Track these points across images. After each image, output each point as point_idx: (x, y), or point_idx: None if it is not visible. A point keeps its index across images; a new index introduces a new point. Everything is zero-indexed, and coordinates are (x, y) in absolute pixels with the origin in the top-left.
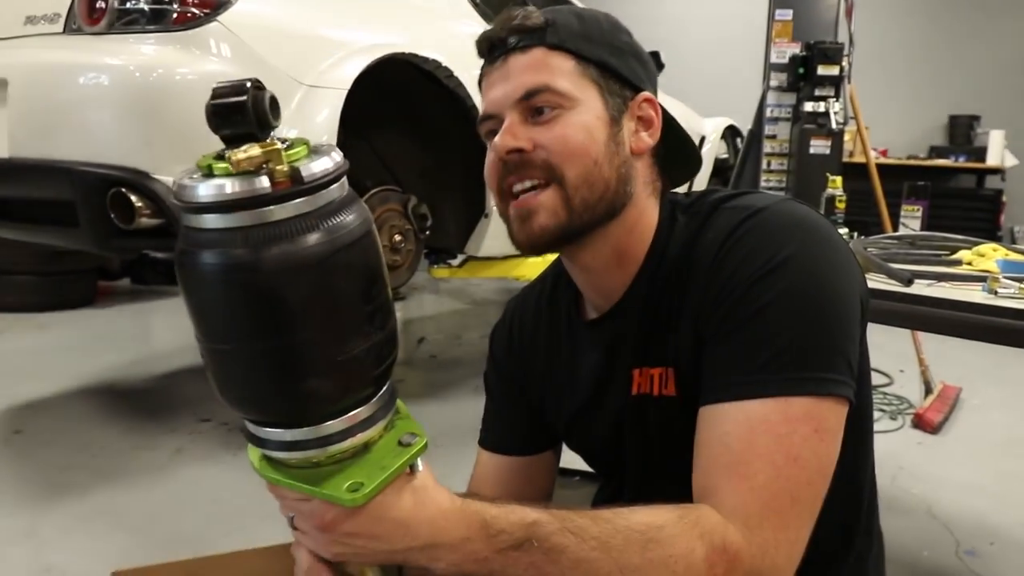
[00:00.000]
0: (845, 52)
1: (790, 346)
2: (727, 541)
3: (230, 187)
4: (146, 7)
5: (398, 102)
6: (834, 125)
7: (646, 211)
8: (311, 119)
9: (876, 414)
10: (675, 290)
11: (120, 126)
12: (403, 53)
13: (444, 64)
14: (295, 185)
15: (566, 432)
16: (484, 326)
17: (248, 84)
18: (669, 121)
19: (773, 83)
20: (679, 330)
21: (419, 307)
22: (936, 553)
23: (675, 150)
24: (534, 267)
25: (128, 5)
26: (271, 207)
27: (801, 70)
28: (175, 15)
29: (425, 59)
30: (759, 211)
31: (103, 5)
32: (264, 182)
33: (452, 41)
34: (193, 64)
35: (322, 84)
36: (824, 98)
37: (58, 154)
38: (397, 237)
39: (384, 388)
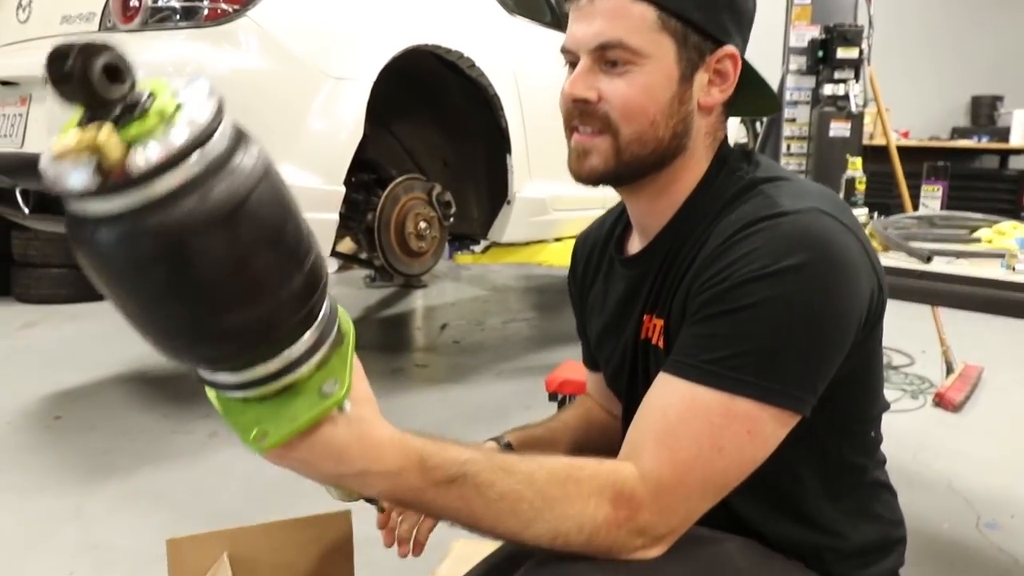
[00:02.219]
0: (864, 34)
1: (755, 350)
2: (635, 493)
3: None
4: (178, 4)
5: (422, 92)
6: (854, 108)
7: (699, 162)
8: (338, 110)
9: (897, 393)
10: (690, 251)
11: None
12: (426, 44)
13: (466, 55)
14: (123, 178)
15: (597, 353)
16: (505, 312)
17: (77, 46)
18: (748, 70)
19: (792, 66)
20: (678, 290)
21: (441, 295)
22: (957, 526)
23: (751, 97)
24: (556, 253)
25: (161, 3)
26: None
27: (820, 53)
28: (206, 11)
29: (448, 50)
30: (783, 214)
31: (137, 3)
32: (82, 177)
33: (474, 32)
34: (224, 59)
35: (349, 76)
36: (843, 81)
37: None
38: (422, 224)
39: (309, 331)
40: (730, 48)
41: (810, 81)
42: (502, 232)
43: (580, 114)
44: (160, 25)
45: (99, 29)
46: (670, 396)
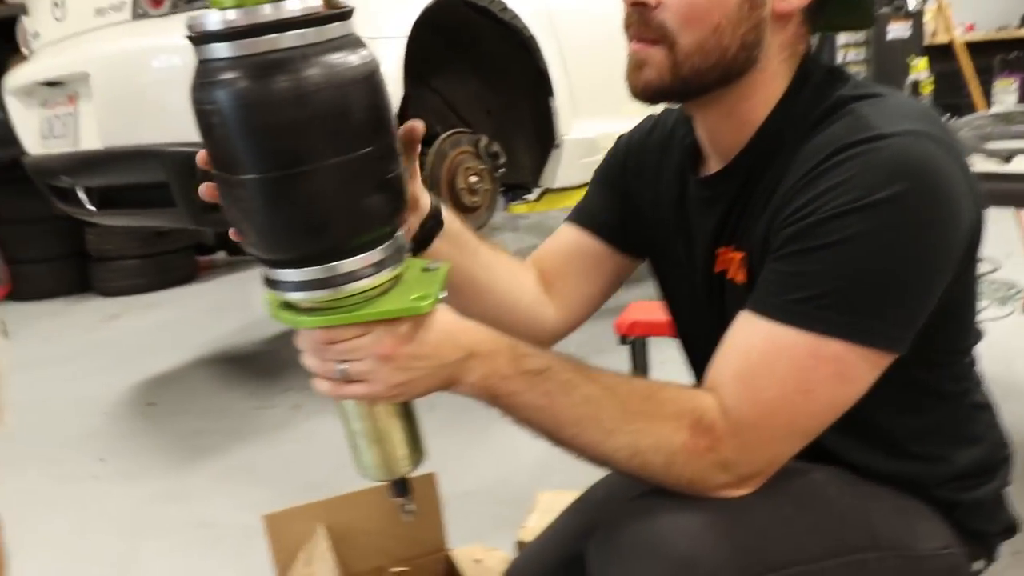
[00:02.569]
0: None
1: (846, 289)
2: (715, 425)
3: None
4: None
5: (457, 43)
6: (912, 5)
7: (774, 77)
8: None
9: (984, 302)
10: (773, 178)
11: None
12: None
13: None
14: (332, 9)
15: (660, 275)
16: None
17: None
18: None
19: None
20: (759, 221)
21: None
22: None
23: (839, 8)
24: None
25: None
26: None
27: None
28: None
29: None
30: (878, 138)
31: None
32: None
33: None
34: None
35: (381, 35)
36: None
37: (147, 139)
38: (473, 178)
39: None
40: None
41: None
42: (554, 177)
43: (637, 20)
44: (190, 6)
45: (132, 17)
46: (752, 336)
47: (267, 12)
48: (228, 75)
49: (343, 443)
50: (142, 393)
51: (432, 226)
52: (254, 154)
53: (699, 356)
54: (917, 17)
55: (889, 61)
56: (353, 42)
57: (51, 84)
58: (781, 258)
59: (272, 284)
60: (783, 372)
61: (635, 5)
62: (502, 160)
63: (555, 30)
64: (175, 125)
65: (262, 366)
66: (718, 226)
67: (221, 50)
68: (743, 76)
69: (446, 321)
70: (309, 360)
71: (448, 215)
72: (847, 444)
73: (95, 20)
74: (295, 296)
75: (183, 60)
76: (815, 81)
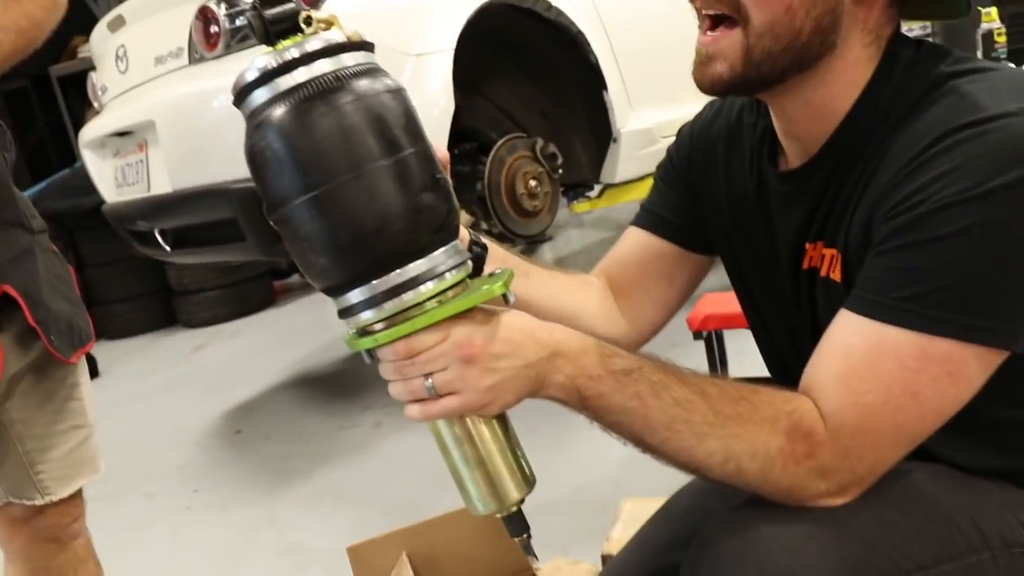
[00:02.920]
0: None
1: (957, 285)
2: (814, 430)
3: (326, 41)
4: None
5: (505, 47)
6: None
7: (857, 64)
8: (425, 86)
9: None
10: (866, 168)
11: None
12: (498, 0)
13: None
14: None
15: (736, 270)
16: None
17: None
18: None
19: None
20: (855, 216)
21: (567, 243)
22: None
23: None
24: None
25: (237, 23)
26: (353, 53)
27: None
28: None
29: None
30: (988, 119)
31: (216, 29)
32: (339, 36)
33: None
34: None
35: (428, 50)
36: None
37: (213, 178)
38: (532, 182)
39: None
40: None
41: None
42: (614, 172)
43: (705, 4)
44: (241, 45)
45: (189, 62)
46: (854, 337)
47: (292, 52)
48: (265, 113)
49: (424, 459)
50: (230, 421)
51: (479, 253)
52: (301, 174)
53: (782, 354)
54: None
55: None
56: (375, 70)
57: (121, 134)
58: (885, 252)
59: (345, 312)
60: (888, 374)
61: None
62: (560, 161)
63: (603, 23)
64: (238, 162)
65: (342, 386)
66: (804, 221)
67: (260, 95)
68: (819, 62)
69: (525, 320)
70: (395, 387)
71: (491, 243)
72: (949, 442)
73: (156, 69)
74: (368, 315)
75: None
76: (906, 61)
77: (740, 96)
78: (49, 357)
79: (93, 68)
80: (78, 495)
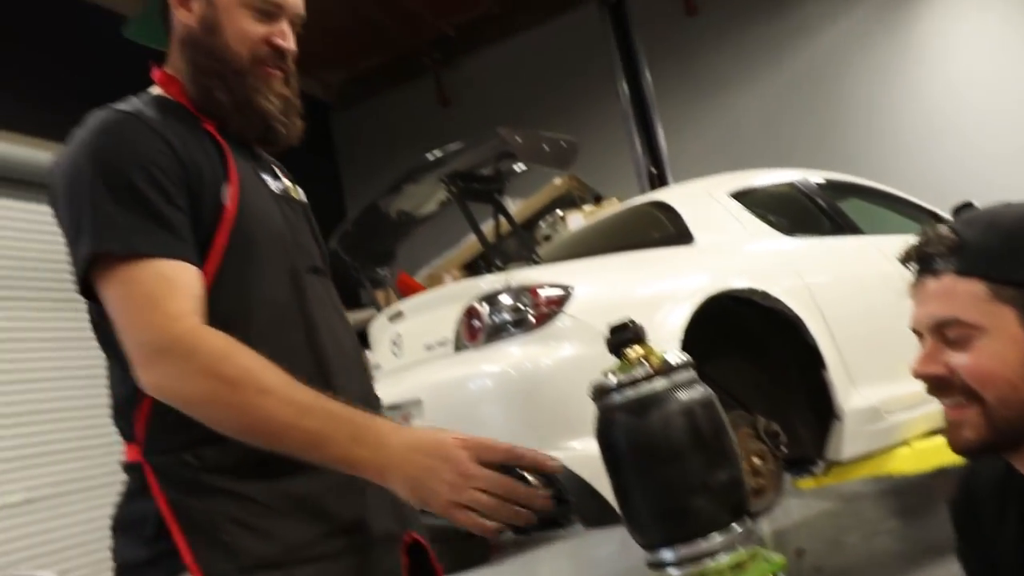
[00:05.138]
0: None
1: None
2: None
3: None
4: (510, 317)
5: (723, 331)
6: None
7: None
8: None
9: None
10: None
11: (507, 417)
12: (720, 292)
13: (758, 288)
14: (665, 367)
15: None
16: (864, 525)
17: (628, 321)
18: None
19: None
20: None
21: (786, 514)
22: None
23: None
24: (908, 459)
25: (496, 320)
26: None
27: None
28: (533, 318)
29: (740, 290)
30: None
31: (479, 324)
32: (674, 357)
33: (758, 262)
34: (552, 353)
35: (658, 339)
36: None
37: None
38: (756, 460)
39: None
40: None
41: None
42: (839, 450)
43: (938, 389)
44: (499, 337)
45: (455, 350)
46: None
47: (638, 372)
48: (616, 413)
49: None
50: None
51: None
52: (638, 459)
53: None
54: None
55: None
56: (694, 382)
57: (390, 408)
58: None
59: (655, 565)
60: None
61: (931, 377)
62: (783, 439)
63: (818, 306)
64: (488, 434)
65: None
66: None
67: (614, 398)
68: None
69: None
70: None
71: None
72: None
73: (425, 354)
74: (675, 573)
75: (494, 382)
76: None
77: (990, 455)
78: None
79: (368, 347)
80: None
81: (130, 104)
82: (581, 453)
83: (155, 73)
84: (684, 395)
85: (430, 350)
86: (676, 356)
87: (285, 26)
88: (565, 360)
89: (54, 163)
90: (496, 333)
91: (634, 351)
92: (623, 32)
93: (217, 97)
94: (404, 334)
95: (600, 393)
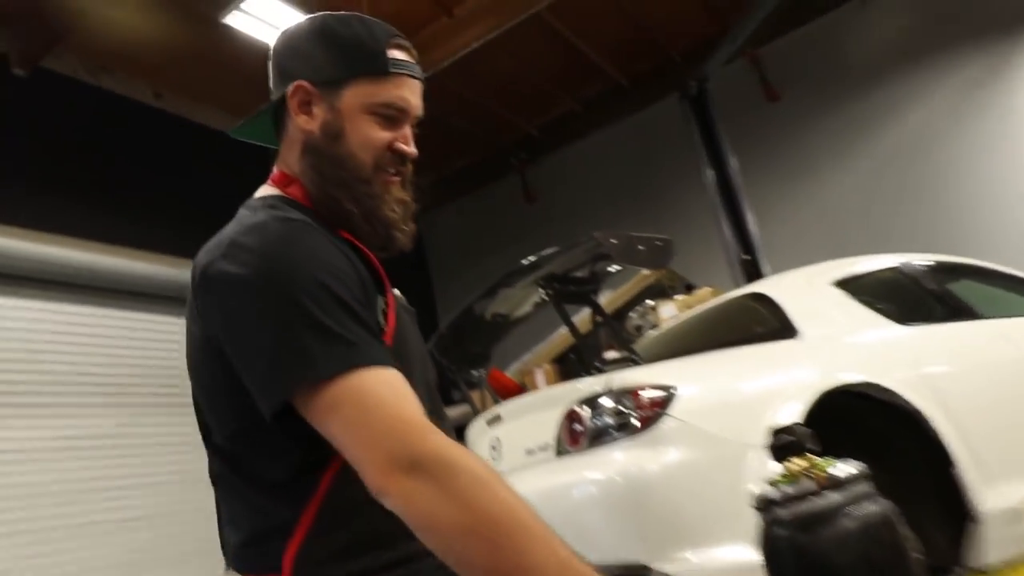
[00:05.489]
0: None
1: None
2: None
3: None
4: (612, 421)
5: (839, 425)
6: None
7: None
8: (768, 475)
9: None
10: None
11: (615, 527)
12: (833, 387)
13: (873, 381)
14: (831, 481)
15: None
16: None
17: (794, 425)
18: None
19: None
20: None
21: None
22: None
23: None
24: None
25: (598, 424)
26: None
27: None
28: (637, 422)
29: (853, 384)
30: None
31: (580, 428)
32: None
33: (870, 353)
34: (658, 458)
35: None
36: None
37: None
38: None
39: None
40: None
41: None
42: (980, 555)
43: None
44: (600, 442)
45: (556, 455)
46: None
47: (806, 484)
48: (782, 527)
49: None
50: None
51: None
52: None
53: None
54: None
55: None
56: (869, 495)
57: None
58: None
59: None
60: None
61: None
62: (913, 542)
63: (941, 398)
64: (593, 548)
65: None
66: None
67: (779, 512)
68: None
69: None
70: None
71: None
72: None
73: (525, 459)
74: None
75: (598, 490)
76: None
77: None
78: None
79: None
80: None
81: (283, 211)
82: (696, 566)
83: (276, 175)
84: (858, 510)
85: (531, 455)
86: (845, 468)
87: (407, 130)
88: (673, 465)
89: (220, 279)
90: (599, 437)
91: (795, 464)
92: (705, 122)
93: (346, 208)
94: (503, 438)
95: (764, 506)
